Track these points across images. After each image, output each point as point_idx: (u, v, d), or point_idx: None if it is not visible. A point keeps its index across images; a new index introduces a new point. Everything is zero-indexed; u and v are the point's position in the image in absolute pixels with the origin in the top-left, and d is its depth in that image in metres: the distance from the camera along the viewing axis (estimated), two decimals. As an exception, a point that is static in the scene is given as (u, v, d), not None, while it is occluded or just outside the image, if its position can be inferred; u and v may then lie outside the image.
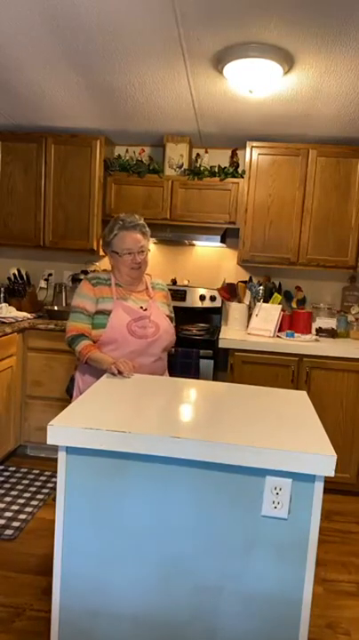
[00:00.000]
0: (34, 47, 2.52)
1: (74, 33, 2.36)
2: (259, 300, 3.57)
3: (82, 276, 3.76)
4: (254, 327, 3.42)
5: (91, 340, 2.15)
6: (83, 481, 1.43)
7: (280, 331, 3.43)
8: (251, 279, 3.72)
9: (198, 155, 3.64)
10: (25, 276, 3.82)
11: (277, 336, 3.37)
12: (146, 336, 2.17)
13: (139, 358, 2.16)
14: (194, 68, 2.65)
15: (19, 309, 3.62)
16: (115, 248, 2.20)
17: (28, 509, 2.80)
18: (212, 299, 3.77)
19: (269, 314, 3.43)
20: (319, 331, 3.49)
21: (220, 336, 3.28)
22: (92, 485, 1.43)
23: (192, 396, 1.91)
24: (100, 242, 2.30)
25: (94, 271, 3.81)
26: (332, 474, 1.30)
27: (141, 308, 2.22)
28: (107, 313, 2.16)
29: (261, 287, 3.62)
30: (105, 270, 2.33)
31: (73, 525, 1.45)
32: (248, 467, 1.33)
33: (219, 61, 2.53)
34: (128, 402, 1.72)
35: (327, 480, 1.35)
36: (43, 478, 3.19)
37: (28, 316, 3.55)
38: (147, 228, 2.25)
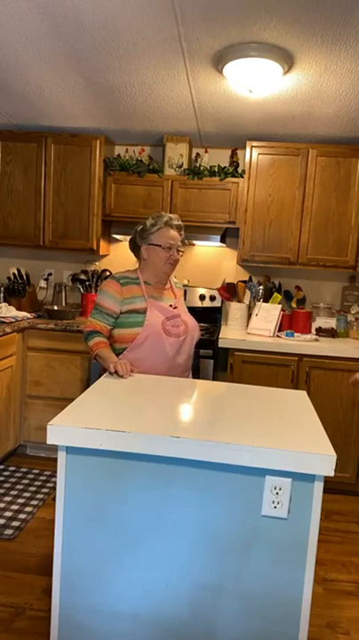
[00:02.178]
0: (34, 47, 2.52)
1: (74, 32, 2.36)
2: (258, 300, 3.57)
3: (82, 276, 3.76)
4: (254, 327, 3.42)
5: (106, 337, 2.17)
6: (82, 481, 1.43)
7: (280, 330, 3.43)
8: (250, 279, 3.72)
9: (198, 154, 3.64)
10: (25, 276, 3.81)
11: (277, 336, 3.37)
12: (178, 335, 2.20)
13: (175, 357, 2.19)
14: (194, 68, 2.65)
15: (18, 309, 3.62)
16: (157, 241, 2.21)
17: (28, 509, 2.80)
18: (212, 298, 3.77)
19: (269, 313, 3.43)
20: (319, 330, 3.49)
21: (220, 336, 3.28)
22: (92, 485, 1.43)
23: (192, 395, 1.91)
24: (137, 235, 2.29)
25: (92, 270, 3.82)
26: (332, 473, 1.30)
27: (171, 306, 2.26)
28: (141, 312, 2.17)
29: (261, 287, 3.62)
30: (129, 270, 2.34)
31: (73, 525, 1.45)
32: (248, 466, 1.33)
33: (218, 61, 2.53)
34: (128, 401, 1.72)
35: (327, 480, 1.35)
36: (42, 478, 3.19)
37: (28, 315, 3.55)
38: (183, 232, 2.31)
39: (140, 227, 2.27)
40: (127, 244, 2.43)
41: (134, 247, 2.32)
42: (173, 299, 2.31)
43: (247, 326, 3.48)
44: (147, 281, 2.26)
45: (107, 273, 3.78)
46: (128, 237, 2.46)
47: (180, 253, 2.26)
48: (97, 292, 2.32)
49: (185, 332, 2.23)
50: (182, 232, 2.29)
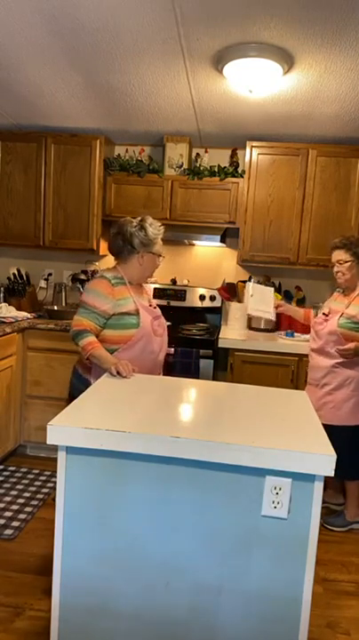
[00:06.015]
0: (34, 47, 2.52)
1: (74, 33, 2.35)
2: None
3: (82, 276, 3.76)
4: (253, 308, 3.22)
5: (96, 336, 2.15)
6: (82, 481, 1.43)
7: (280, 330, 3.42)
8: (250, 279, 3.72)
9: (198, 154, 3.64)
10: (25, 276, 3.81)
11: (277, 336, 3.37)
12: (161, 334, 2.27)
13: (158, 356, 2.25)
14: (194, 68, 2.65)
15: (18, 309, 3.62)
16: (158, 251, 2.27)
17: (28, 509, 2.80)
18: (212, 298, 3.77)
19: (263, 294, 3.26)
20: (319, 330, 3.48)
21: (220, 336, 3.28)
22: (92, 485, 1.43)
23: (192, 395, 1.91)
24: (136, 241, 2.23)
25: (92, 270, 3.82)
26: (332, 474, 1.30)
27: (150, 306, 2.30)
28: (132, 313, 2.18)
29: (261, 287, 3.61)
30: (109, 269, 2.32)
31: (73, 525, 1.45)
32: (248, 466, 1.33)
33: (218, 61, 2.53)
34: (128, 402, 1.72)
35: (327, 480, 1.35)
36: (42, 478, 3.19)
37: (28, 315, 3.55)
38: None
39: (141, 233, 2.20)
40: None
41: (127, 250, 2.24)
42: (148, 299, 2.37)
43: (246, 325, 3.47)
44: (130, 281, 2.27)
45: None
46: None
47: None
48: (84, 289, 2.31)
49: (164, 330, 2.31)
50: None
